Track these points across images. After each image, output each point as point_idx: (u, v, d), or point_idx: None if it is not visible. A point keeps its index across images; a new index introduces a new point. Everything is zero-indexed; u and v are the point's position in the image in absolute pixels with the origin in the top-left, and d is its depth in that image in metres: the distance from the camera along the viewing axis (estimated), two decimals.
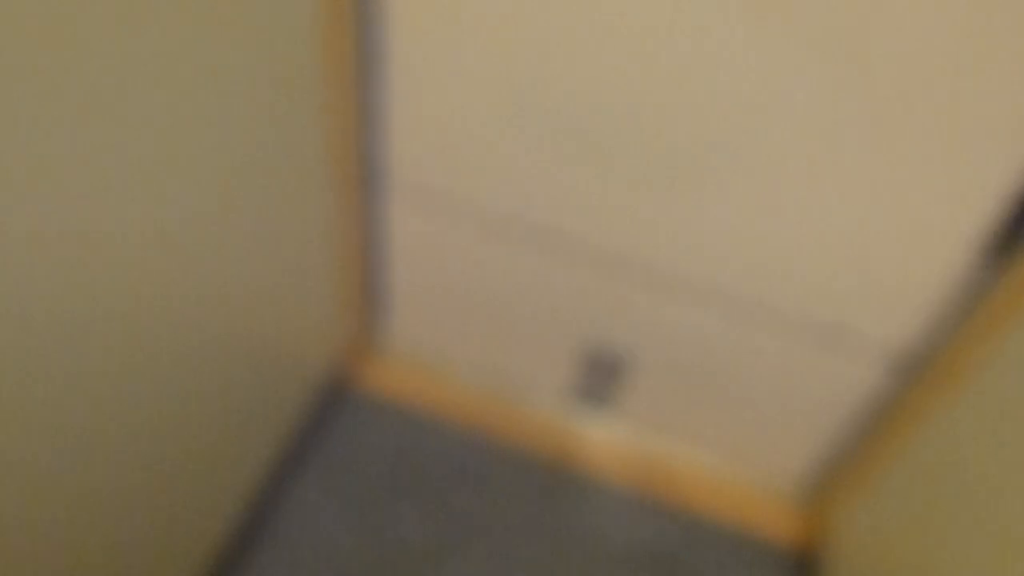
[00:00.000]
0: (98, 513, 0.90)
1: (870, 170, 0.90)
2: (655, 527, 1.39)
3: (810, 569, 1.39)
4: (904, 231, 0.96)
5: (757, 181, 0.97)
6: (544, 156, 1.06)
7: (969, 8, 0.76)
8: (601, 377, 1.39)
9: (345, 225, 1.24)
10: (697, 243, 1.07)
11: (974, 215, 0.92)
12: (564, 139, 1.03)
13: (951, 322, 1.06)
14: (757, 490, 1.46)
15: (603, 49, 0.92)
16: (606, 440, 1.50)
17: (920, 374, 1.12)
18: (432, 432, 1.47)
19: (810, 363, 1.17)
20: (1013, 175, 0.87)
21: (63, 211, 0.69)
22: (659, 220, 1.06)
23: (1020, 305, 0.91)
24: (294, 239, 1.12)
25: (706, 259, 1.09)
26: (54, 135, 0.64)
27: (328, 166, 1.14)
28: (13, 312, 0.67)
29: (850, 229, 0.97)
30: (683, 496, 1.44)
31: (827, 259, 1.02)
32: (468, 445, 1.46)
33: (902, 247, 0.98)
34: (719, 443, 1.45)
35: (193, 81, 0.79)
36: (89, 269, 0.74)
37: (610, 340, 1.32)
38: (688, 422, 1.44)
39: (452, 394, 1.52)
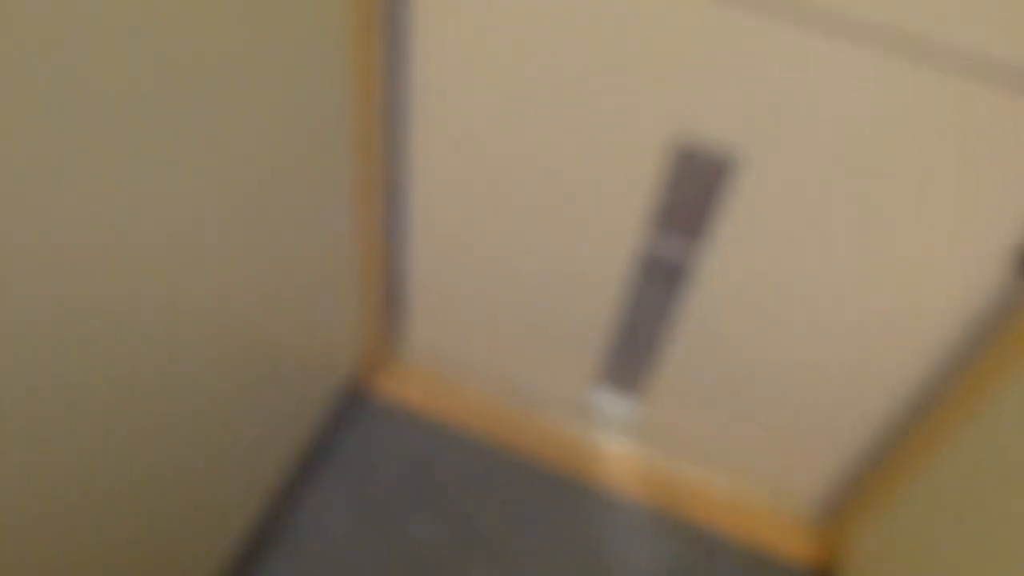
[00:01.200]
0: (124, 508, 0.91)
1: None
2: (671, 544, 1.39)
3: None
4: None
5: None
6: None
7: None
8: (698, 182, 1.00)
9: (367, 231, 1.25)
10: None
11: None
12: None
13: (975, 339, 1.05)
14: (774, 510, 1.45)
15: None
16: (623, 455, 1.50)
17: (942, 392, 1.11)
18: (449, 441, 1.48)
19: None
20: None
21: (102, 220, 0.70)
22: None
23: None
24: (318, 249, 1.14)
25: None
26: (118, 156, 0.66)
27: (352, 180, 1.16)
28: (48, 320, 0.69)
29: None
30: (700, 514, 1.43)
31: None
32: (484, 455, 1.47)
33: None
34: (737, 460, 1.45)
35: (224, 95, 0.81)
36: (123, 277, 0.76)
37: (715, 130, 0.94)
38: (708, 432, 1.44)
39: (470, 403, 1.53)
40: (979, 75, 0.82)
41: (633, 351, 1.37)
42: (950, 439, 1.07)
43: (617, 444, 1.50)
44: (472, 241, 1.29)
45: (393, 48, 1.05)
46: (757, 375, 1.27)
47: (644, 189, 1.07)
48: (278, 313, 1.09)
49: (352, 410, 1.49)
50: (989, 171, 0.89)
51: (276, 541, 1.32)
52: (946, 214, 0.94)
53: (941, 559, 1.02)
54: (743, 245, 1.09)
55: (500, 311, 1.40)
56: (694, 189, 1.02)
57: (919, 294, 1.04)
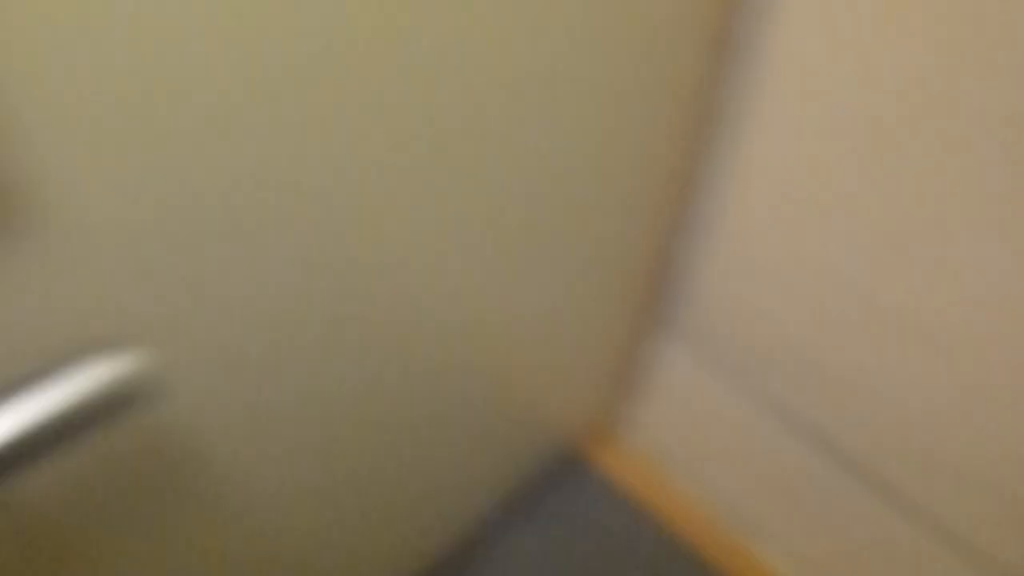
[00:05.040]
0: (317, 521, 0.87)
1: None
2: None
3: None
4: None
5: None
6: None
7: None
8: None
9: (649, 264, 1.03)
10: None
11: None
12: None
13: None
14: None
15: None
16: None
17: None
18: (653, 537, 1.34)
19: None
20: None
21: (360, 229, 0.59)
22: None
23: None
24: (586, 300, 0.97)
25: None
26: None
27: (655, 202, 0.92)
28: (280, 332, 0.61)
29: None
30: None
31: None
32: (684, 563, 1.31)
33: None
34: None
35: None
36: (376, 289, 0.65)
37: None
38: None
39: (685, 506, 1.36)
40: None
41: None
42: None
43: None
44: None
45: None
46: None
47: None
48: (524, 356, 0.96)
49: (562, 473, 1.38)
50: None
51: None
52: None
53: None
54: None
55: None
56: None
57: None
